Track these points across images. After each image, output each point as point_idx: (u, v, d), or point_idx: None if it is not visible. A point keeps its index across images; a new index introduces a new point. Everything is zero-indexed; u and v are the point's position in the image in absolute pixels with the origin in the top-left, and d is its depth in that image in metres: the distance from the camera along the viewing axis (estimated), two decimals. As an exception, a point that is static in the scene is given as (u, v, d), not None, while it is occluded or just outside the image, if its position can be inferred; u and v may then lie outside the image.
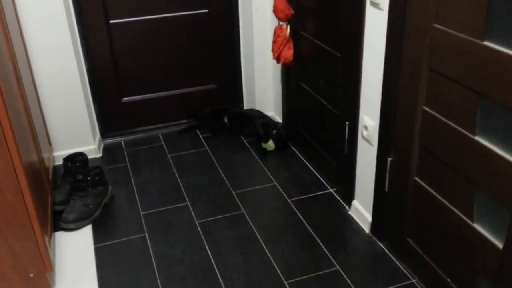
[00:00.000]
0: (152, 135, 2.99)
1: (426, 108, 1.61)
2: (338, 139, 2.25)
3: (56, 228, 2.17)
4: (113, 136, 2.95)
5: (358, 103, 2.01)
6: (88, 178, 2.24)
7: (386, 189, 1.91)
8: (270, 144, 2.73)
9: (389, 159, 1.85)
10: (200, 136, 2.96)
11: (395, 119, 1.78)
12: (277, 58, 2.58)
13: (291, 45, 2.52)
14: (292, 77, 2.68)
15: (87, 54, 2.71)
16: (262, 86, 3.00)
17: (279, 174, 2.54)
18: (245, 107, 3.17)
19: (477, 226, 1.48)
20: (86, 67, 2.73)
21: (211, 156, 2.74)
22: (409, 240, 1.86)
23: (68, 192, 2.30)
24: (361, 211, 2.14)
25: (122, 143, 2.91)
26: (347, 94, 2.09)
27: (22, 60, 2.19)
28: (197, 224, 2.19)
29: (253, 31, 2.83)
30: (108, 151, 2.83)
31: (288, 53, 2.53)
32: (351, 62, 2.01)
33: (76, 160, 2.42)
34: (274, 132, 2.71)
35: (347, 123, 2.13)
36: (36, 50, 2.43)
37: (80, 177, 2.24)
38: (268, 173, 2.56)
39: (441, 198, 1.63)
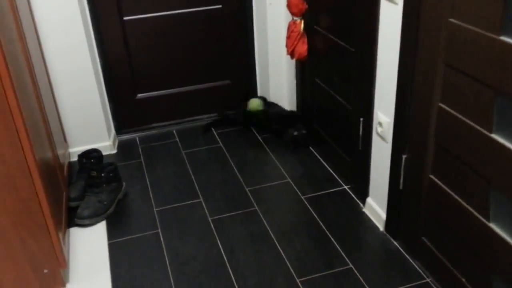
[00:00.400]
0: (166, 131, 3.00)
1: (442, 105, 1.58)
2: (352, 135, 2.22)
3: (71, 224, 2.19)
4: (128, 133, 2.97)
5: (372, 100, 1.98)
6: (103, 175, 2.25)
7: (401, 187, 1.88)
8: (255, 103, 2.78)
9: (404, 156, 1.82)
10: (214, 132, 2.96)
11: (410, 116, 1.74)
12: (291, 54, 2.55)
13: (305, 40, 2.50)
14: (306, 73, 2.66)
15: (101, 51, 2.73)
16: (277, 81, 2.98)
17: (293, 171, 2.53)
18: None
19: (493, 226, 1.45)
20: (100, 64, 2.74)
21: (225, 152, 2.73)
22: (423, 238, 1.82)
23: (83, 188, 2.32)
24: (375, 208, 2.11)
25: (137, 139, 2.93)
26: (361, 90, 2.06)
27: (37, 59, 2.21)
28: (210, 221, 2.19)
29: (267, 26, 2.81)
30: (122, 147, 2.85)
31: (302, 48, 2.51)
32: (365, 57, 1.98)
33: (91, 156, 2.44)
34: (296, 133, 2.71)
35: (361, 119, 2.10)
36: (51, 48, 2.45)
37: (94, 173, 2.26)
38: (282, 170, 2.54)
39: (456, 197, 1.59)
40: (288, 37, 2.53)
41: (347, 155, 2.35)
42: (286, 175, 2.50)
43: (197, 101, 3.06)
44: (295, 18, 2.47)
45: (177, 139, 2.91)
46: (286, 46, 2.56)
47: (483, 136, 1.42)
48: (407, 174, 1.84)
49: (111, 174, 2.28)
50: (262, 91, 3.09)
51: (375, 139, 2.02)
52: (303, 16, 2.46)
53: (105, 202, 2.23)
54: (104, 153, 2.70)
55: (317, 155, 2.65)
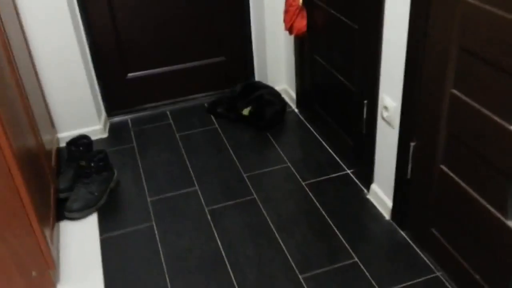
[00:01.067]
0: (160, 112, 2.86)
1: (455, 91, 1.44)
2: (356, 118, 2.09)
3: (61, 217, 2.08)
4: (119, 114, 2.83)
5: (377, 81, 1.84)
6: (92, 164, 2.13)
7: (409, 176, 1.77)
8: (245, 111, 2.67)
9: (412, 144, 1.70)
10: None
11: (420, 101, 1.61)
12: (289, 29, 2.39)
13: (305, 14, 2.33)
14: (305, 50, 2.50)
15: (87, 26, 2.56)
16: (274, 58, 2.81)
17: (292, 154, 2.41)
18: (257, 80, 3.00)
19: (511, 224, 1.34)
20: (87, 41, 2.58)
21: (221, 135, 2.61)
22: (433, 230, 1.72)
23: (72, 178, 2.20)
24: (381, 195, 2.00)
25: (129, 121, 2.79)
26: (365, 71, 1.92)
27: (16, 35, 2.05)
28: (207, 211, 2.08)
29: (263, -1, 2.63)
30: (114, 130, 2.72)
31: (301, 23, 2.34)
32: (370, 35, 1.83)
33: (79, 143, 2.31)
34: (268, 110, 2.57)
35: (365, 102, 1.97)
36: (32, 25, 2.28)
37: (83, 163, 2.14)
38: (281, 153, 2.42)
39: (469, 190, 1.48)
40: (286, 12, 2.37)
41: (350, 138, 2.22)
42: (285, 159, 2.38)
43: (191, 79, 2.90)
44: (293, -10, 2.30)
45: (171, 120, 2.78)
46: (284, 21, 2.39)
47: (501, 128, 1.29)
48: (415, 163, 1.72)
49: (101, 163, 2.16)
50: (259, 68, 2.93)
51: (380, 123, 1.89)
52: (301, -12, 2.28)
53: (95, 193, 2.12)
54: (94, 137, 2.59)
55: (318, 136, 2.53)
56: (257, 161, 2.38)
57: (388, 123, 1.82)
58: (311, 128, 2.60)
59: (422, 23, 1.50)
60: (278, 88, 2.87)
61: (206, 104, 2.86)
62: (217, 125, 2.69)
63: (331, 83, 2.28)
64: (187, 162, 2.40)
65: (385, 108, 1.81)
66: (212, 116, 2.77)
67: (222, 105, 2.79)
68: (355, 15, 1.93)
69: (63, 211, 2.08)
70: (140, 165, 2.41)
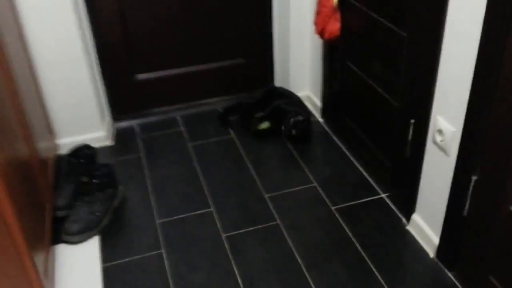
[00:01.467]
0: (170, 118, 2.60)
1: (541, 122, 1.18)
2: (397, 137, 1.83)
3: (57, 238, 1.83)
4: (125, 119, 2.57)
5: (430, 100, 1.58)
6: (95, 181, 1.88)
7: (465, 213, 1.51)
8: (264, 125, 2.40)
9: (474, 178, 1.44)
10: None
11: (488, 128, 1.35)
12: (321, 33, 2.13)
13: (338, 17, 2.07)
14: (336, 55, 2.23)
15: (93, 21, 2.29)
16: (298, 62, 2.55)
17: (319, 172, 2.15)
18: (277, 85, 2.74)
19: None
20: (92, 37, 2.32)
21: (239, 146, 2.35)
22: (491, 278, 1.47)
23: (72, 194, 1.95)
24: (424, 228, 1.75)
25: (136, 127, 2.53)
26: (415, 86, 1.66)
27: (9, 29, 1.79)
28: (224, 239, 1.83)
29: (290, -4, 2.37)
30: (119, 137, 2.46)
31: (335, 26, 2.08)
32: (424, 46, 1.57)
33: (81, 154, 2.06)
34: (292, 121, 2.31)
35: (412, 121, 1.71)
36: (30, 18, 2.02)
37: (85, 179, 1.89)
38: (306, 170, 2.16)
39: (550, 240, 1.23)
40: (317, 13, 2.10)
41: (388, 158, 1.97)
42: (311, 177, 2.12)
43: (205, 82, 2.64)
44: (327, -11, 2.03)
45: (183, 127, 2.52)
46: (315, 23, 2.13)
47: None
48: (476, 200, 1.46)
49: (105, 179, 1.91)
50: (281, 72, 2.67)
51: (431, 148, 1.63)
52: (337, -13, 2.02)
53: (98, 213, 1.87)
54: (97, 144, 2.34)
55: (346, 152, 2.27)
56: (279, 179, 2.12)
57: (442, 149, 1.56)
58: (338, 142, 2.34)
59: (499, 38, 1.24)
60: (300, 94, 2.61)
61: (220, 110, 2.60)
62: (233, 135, 2.44)
63: (367, 94, 2.02)
64: (201, 178, 2.15)
65: (439, 132, 1.55)
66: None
67: (238, 112, 2.53)
68: (404, 21, 1.67)
69: (60, 232, 1.83)
70: (148, 179, 2.16)
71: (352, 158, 2.22)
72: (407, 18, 1.65)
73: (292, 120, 2.30)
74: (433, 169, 1.64)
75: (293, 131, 2.30)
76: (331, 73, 2.33)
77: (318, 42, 2.36)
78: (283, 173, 2.17)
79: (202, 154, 2.30)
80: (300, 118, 2.31)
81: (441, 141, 1.56)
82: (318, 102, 2.54)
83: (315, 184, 2.09)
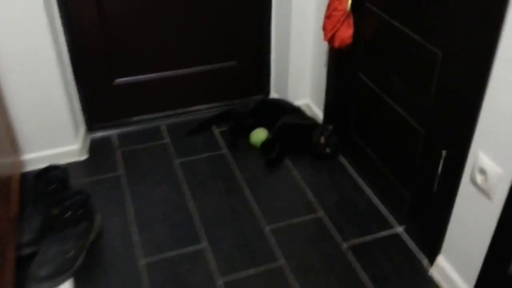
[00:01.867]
0: (153, 127, 2.31)
1: None
2: (422, 168, 1.59)
3: (23, 282, 1.54)
4: (102, 128, 2.26)
5: (471, 132, 1.34)
6: (68, 214, 1.58)
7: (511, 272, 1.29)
8: (260, 136, 2.12)
9: (527, 232, 1.21)
10: (217, 131, 2.29)
11: (551, 178, 1.12)
12: (330, 39, 1.85)
13: (351, 22, 1.80)
14: (346, 64, 1.97)
15: (67, 20, 1.97)
16: (298, 67, 2.28)
17: (325, 197, 1.90)
18: (273, 92, 2.46)
19: None
20: (66, 38, 1.99)
21: (232, 164, 2.08)
22: None
23: (40, 227, 1.65)
24: (452, 275, 1.52)
25: (114, 138, 2.23)
26: (450, 112, 1.42)
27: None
28: (222, 285, 1.57)
29: (292, -5, 2.08)
30: (95, 150, 2.15)
31: (346, 33, 1.81)
32: (465, 68, 1.32)
33: (50, 177, 1.75)
34: (323, 139, 2.04)
35: (443, 152, 1.47)
36: (-11, 20, 1.70)
37: (55, 211, 1.59)
38: (310, 196, 1.91)
39: None
40: (327, 17, 1.83)
41: (406, 188, 1.73)
42: (316, 204, 1.87)
43: (193, 87, 2.35)
44: (340, -10, 1.76)
45: (168, 138, 2.23)
46: (324, 28, 1.85)
47: None
48: (527, 257, 1.24)
49: (80, 211, 1.62)
50: (278, 77, 2.40)
51: (467, 188, 1.40)
52: (352, -12, 1.75)
53: (71, 253, 1.58)
54: (70, 160, 2.04)
55: (353, 174, 2.02)
56: (280, 206, 1.86)
57: (483, 191, 1.33)
58: (344, 161, 2.09)
59: None
60: (299, 102, 2.35)
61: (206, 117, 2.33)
62: (225, 149, 2.16)
63: (384, 113, 1.77)
64: (191, 204, 1.87)
65: (481, 170, 1.32)
66: (217, 135, 2.23)
67: (229, 122, 2.26)
68: (439, 35, 1.42)
69: (25, 276, 1.54)
70: (129, 204, 1.87)
71: (360, 182, 1.98)
72: (443, 33, 1.40)
73: (322, 137, 2.04)
74: (469, 211, 1.41)
75: (327, 149, 2.05)
76: (337, 84, 2.07)
77: (322, 47, 2.10)
78: (285, 198, 1.91)
79: (191, 173, 2.03)
80: (330, 131, 2.06)
81: (482, 182, 1.32)
82: (319, 112, 2.28)
83: (321, 212, 1.84)
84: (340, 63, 2.01)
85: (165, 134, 2.26)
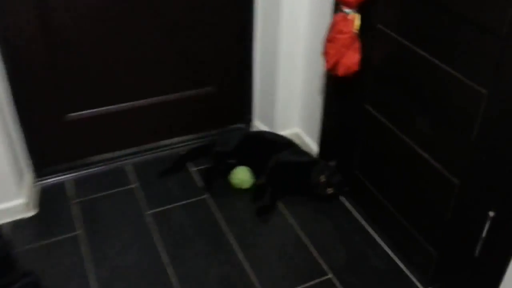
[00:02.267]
0: (117, 168, 1.93)
1: None
2: (454, 225, 1.32)
3: None
4: (54, 174, 1.86)
5: (534, 195, 1.07)
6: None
7: None
8: (242, 176, 1.81)
9: None
10: (193, 169, 1.94)
11: None
12: (333, 67, 1.55)
13: (358, 46, 1.50)
14: (347, 92, 1.68)
15: (5, 45, 1.57)
16: (287, 91, 1.96)
17: (332, 254, 1.60)
18: (256, 120, 2.14)
19: None
20: (4, 67, 1.60)
21: (216, 212, 1.74)
22: None
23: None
24: None
25: (70, 185, 1.84)
26: (500, 165, 1.14)
27: None
28: None
29: (281, 8, 1.76)
30: (46, 204, 1.76)
31: (353, 59, 1.51)
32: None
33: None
34: (324, 178, 1.74)
35: (489, 214, 1.19)
36: None
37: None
38: (314, 251, 1.60)
39: None
40: (330, 40, 1.52)
41: (432, 245, 1.45)
42: (323, 263, 1.56)
43: (163, 119, 1.99)
44: (346, 9, 1.45)
45: (136, 182, 1.86)
46: (326, 54, 1.54)
47: None
48: None
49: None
50: (261, 103, 2.07)
51: (528, 261, 1.13)
52: (359, 7, 1.45)
53: None
54: (13, 218, 1.66)
55: (361, 221, 1.73)
56: (281, 271, 1.54)
57: (554, 269, 1.06)
58: (347, 203, 1.80)
59: None
60: (288, 132, 2.04)
61: (181, 153, 1.99)
62: (206, 194, 1.82)
63: (401, 155, 1.48)
64: (170, 271, 1.52)
65: (551, 244, 1.05)
66: (194, 175, 1.89)
67: (210, 161, 1.92)
68: (484, 71, 1.14)
69: None
70: (92, 278, 1.50)
71: (371, 231, 1.69)
72: (488, 70, 1.12)
73: (323, 175, 1.73)
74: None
75: (329, 190, 1.74)
76: (337, 114, 1.77)
77: (315, 68, 1.79)
78: (285, 258, 1.59)
79: (167, 227, 1.67)
80: (332, 168, 1.75)
81: (554, 258, 1.05)
82: (312, 143, 1.98)
83: (330, 275, 1.53)
84: (340, 91, 1.70)
85: (132, 176, 1.89)
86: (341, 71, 1.54)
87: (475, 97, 1.17)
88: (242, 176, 1.83)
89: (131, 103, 1.89)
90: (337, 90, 1.72)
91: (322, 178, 1.74)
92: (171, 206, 1.77)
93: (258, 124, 2.11)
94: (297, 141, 2.03)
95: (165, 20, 1.78)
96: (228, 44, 1.93)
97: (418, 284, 1.51)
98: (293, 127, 2.06)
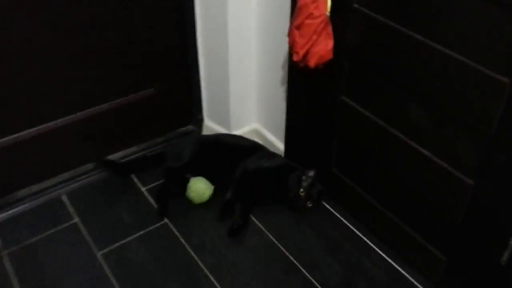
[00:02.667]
0: (50, 201, 1.59)
1: None
2: (471, 230, 1.16)
3: None
4: (-30, 221, 1.50)
5: None
6: None
7: None
8: (198, 187, 1.55)
9: None
10: (140, 190, 1.64)
11: None
12: (303, 58, 1.30)
13: (331, 31, 1.26)
14: (317, 82, 1.44)
15: None
16: (241, 83, 1.70)
17: (324, 270, 1.39)
18: (207, 120, 1.86)
19: None
20: None
21: (180, 240, 1.47)
22: None
23: None
24: None
25: (-7, 230, 1.50)
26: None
27: None
28: None
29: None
30: (-34, 262, 1.41)
31: (326, 46, 1.27)
32: None
33: None
34: (303, 191, 1.51)
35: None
36: None
37: None
38: (303, 270, 1.39)
39: None
40: (297, 27, 1.26)
41: (439, 249, 1.29)
42: (316, 282, 1.36)
43: (98, 133, 1.66)
44: (315, -12, 1.20)
45: (77, 215, 1.54)
46: (294, 43, 1.28)
47: None
48: None
49: None
50: (212, 100, 1.79)
51: None
52: (331, -16, 1.20)
53: None
54: None
55: (347, 226, 1.53)
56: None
57: None
58: (328, 207, 1.59)
59: None
60: (245, 129, 1.80)
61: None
62: (167, 218, 1.54)
63: (391, 151, 1.29)
64: (141, 328, 1.26)
65: None
66: (147, 193, 1.60)
67: (165, 177, 1.64)
68: (503, 59, 0.94)
69: None
70: None
71: (363, 237, 1.49)
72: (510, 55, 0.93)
73: (301, 189, 1.50)
74: None
75: (309, 203, 1.52)
76: (305, 107, 1.53)
77: (276, 56, 1.55)
78: (272, 283, 1.36)
79: (125, 270, 1.39)
80: (311, 177, 1.51)
81: None
82: (275, 140, 1.75)
83: (331, 300, 1.33)
84: (310, 82, 1.47)
85: (70, 208, 1.57)
86: (312, 61, 1.29)
87: (493, 87, 0.98)
88: (198, 187, 1.56)
89: (60, 120, 1.55)
90: (306, 81, 1.48)
91: (301, 191, 1.51)
92: (125, 240, 1.47)
93: (211, 124, 1.84)
94: (255, 138, 1.79)
95: (85, 15, 1.43)
96: (164, 34, 1.62)
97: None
98: (251, 122, 1.81)
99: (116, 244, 1.46)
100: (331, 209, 1.59)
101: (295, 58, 1.31)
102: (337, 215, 1.57)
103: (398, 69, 1.19)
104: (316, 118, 1.51)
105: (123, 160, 1.71)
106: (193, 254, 1.43)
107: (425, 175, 1.22)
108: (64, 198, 1.60)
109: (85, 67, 1.51)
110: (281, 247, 1.47)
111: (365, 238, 1.49)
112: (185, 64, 1.71)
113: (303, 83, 1.49)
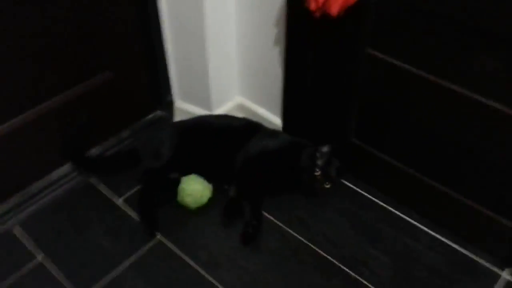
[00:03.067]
0: (4, 235, 1.21)
1: None
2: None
3: None
4: None
5: None
6: None
7: None
8: (194, 189, 1.24)
9: None
10: (116, 202, 1.29)
11: None
12: (323, 6, 1.00)
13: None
14: (329, 34, 1.14)
15: None
16: (220, 54, 1.36)
17: (370, 265, 1.15)
18: (179, 101, 1.50)
19: None
20: None
21: (184, 261, 1.16)
22: None
23: None
24: None
25: None
26: None
27: None
28: None
29: None
30: None
31: (350, -12, 0.98)
32: None
33: None
34: (318, 172, 1.23)
35: None
36: None
37: None
38: (345, 269, 1.13)
39: None
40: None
41: (506, 216, 1.08)
42: (366, 282, 1.11)
43: (49, 137, 1.27)
44: None
45: (40, 252, 1.17)
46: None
47: None
48: None
49: None
50: (185, 79, 1.44)
51: None
52: None
53: None
54: None
55: (384, 207, 1.28)
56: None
57: None
58: (351, 185, 1.33)
59: None
60: (228, 106, 1.47)
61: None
62: (162, 234, 1.21)
63: (448, 112, 1.05)
64: None
65: None
66: (127, 208, 1.25)
67: (143, 182, 1.29)
68: None
69: None
70: None
71: (403, 216, 1.25)
72: None
73: (318, 170, 1.22)
74: None
75: (326, 184, 1.25)
76: (312, 69, 1.24)
77: (263, 9, 1.23)
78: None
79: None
80: (326, 153, 1.23)
81: None
82: (266, 113, 1.45)
83: (387, 298, 1.09)
84: (320, 34, 1.16)
85: (28, 242, 1.19)
86: (335, 8, 1.00)
87: None
88: (194, 189, 1.24)
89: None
90: (316, 35, 1.17)
91: (317, 172, 1.24)
92: (114, 274, 1.13)
93: (185, 106, 1.49)
94: (238, 113, 1.48)
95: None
96: (117, 3, 1.24)
97: (494, 268, 1.14)
98: (233, 96, 1.49)
99: (104, 282, 1.11)
100: (354, 187, 1.33)
101: (313, 6, 1.00)
102: (363, 193, 1.32)
103: (455, 15, 0.92)
104: (329, 80, 1.23)
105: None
106: (204, 273, 1.13)
107: (489, 133, 0.99)
108: (17, 230, 1.22)
109: (25, 55, 1.11)
110: (308, 243, 1.19)
111: (405, 216, 1.25)
112: (146, 38, 1.34)
113: (311, 39, 1.18)
